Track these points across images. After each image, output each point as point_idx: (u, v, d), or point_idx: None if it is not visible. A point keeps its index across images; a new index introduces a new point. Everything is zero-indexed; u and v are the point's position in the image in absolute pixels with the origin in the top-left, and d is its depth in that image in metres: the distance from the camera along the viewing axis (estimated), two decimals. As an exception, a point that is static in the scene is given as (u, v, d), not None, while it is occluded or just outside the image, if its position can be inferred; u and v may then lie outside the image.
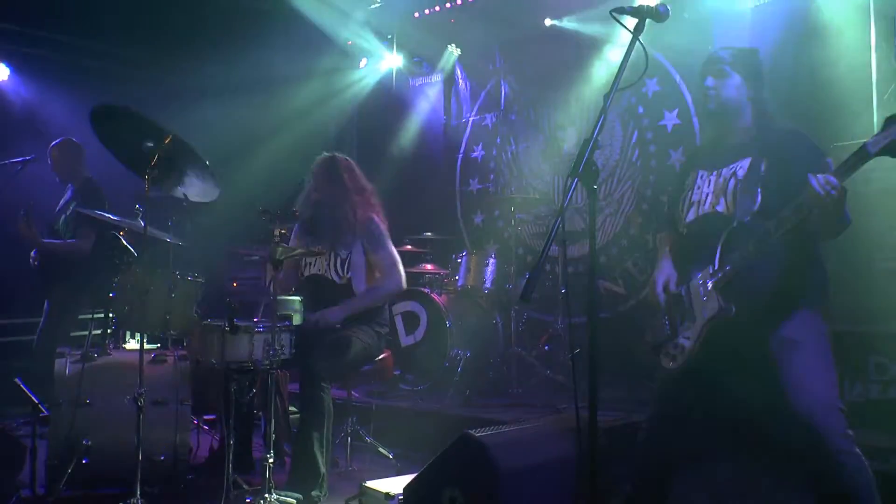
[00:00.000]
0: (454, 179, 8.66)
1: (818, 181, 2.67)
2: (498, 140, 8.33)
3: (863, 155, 2.64)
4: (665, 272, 3.28)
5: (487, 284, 6.44)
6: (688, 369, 3.09)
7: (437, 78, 8.77)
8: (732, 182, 3.09)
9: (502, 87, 8.31)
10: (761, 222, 2.92)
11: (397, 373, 5.95)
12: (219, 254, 7.49)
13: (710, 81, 3.18)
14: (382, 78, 9.40)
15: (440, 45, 8.63)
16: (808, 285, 3.05)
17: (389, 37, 8.95)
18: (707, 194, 3.18)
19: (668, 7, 2.71)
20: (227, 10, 7.95)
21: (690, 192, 3.27)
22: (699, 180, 3.25)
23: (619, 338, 6.69)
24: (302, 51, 8.44)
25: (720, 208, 3.10)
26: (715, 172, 3.19)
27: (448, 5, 8.33)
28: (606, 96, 2.56)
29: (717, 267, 3.01)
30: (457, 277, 6.50)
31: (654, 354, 3.24)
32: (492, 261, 6.50)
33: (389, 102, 9.35)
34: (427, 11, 8.52)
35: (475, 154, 8.53)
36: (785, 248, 2.97)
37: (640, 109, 7.17)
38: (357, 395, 5.53)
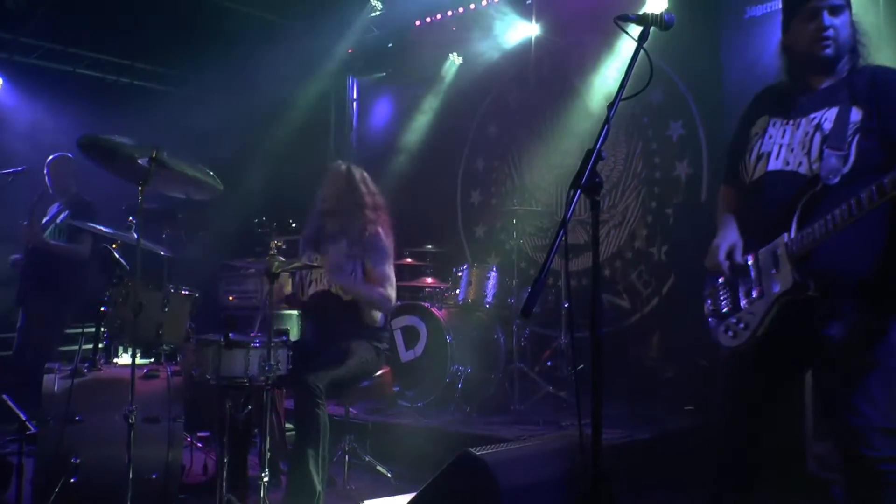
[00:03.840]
0: (455, 191, 8.67)
1: (890, 176, 2.38)
2: (501, 150, 8.33)
3: None
4: (729, 238, 2.93)
5: (489, 298, 6.43)
6: (753, 352, 2.80)
7: (438, 87, 8.75)
8: (817, 136, 2.73)
9: (505, 97, 8.33)
10: (852, 185, 2.56)
11: (396, 389, 5.92)
12: (215, 267, 7.48)
13: (828, 20, 2.76)
14: (382, 87, 9.44)
15: (442, 53, 8.64)
16: None
17: (390, 45, 8.97)
18: (780, 146, 2.83)
19: (674, 16, 2.71)
20: (225, 18, 7.98)
21: (760, 141, 2.90)
22: (771, 128, 2.89)
23: (624, 353, 6.70)
24: (301, 60, 8.46)
25: (801, 168, 2.74)
26: (792, 123, 2.83)
27: (450, 13, 8.35)
28: (610, 106, 2.52)
29: (793, 236, 2.67)
30: (457, 291, 6.48)
31: (713, 329, 2.94)
32: (493, 274, 6.49)
33: (389, 112, 9.38)
34: (428, 19, 8.53)
35: (477, 165, 8.54)
36: (882, 225, 2.66)
37: (645, 119, 7.17)
38: (355, 411, 5.50)
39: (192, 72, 8.94)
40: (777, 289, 2.71)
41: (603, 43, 7.22)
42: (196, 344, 4.22)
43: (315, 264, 4.64)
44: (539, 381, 6.23)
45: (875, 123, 2.66)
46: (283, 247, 4.95)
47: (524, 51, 8.02)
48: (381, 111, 9.51)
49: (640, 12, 2.69)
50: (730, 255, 2.89)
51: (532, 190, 7.89)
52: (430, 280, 7.05)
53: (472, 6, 8.17)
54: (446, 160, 8.70)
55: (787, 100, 2.91)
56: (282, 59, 8.13)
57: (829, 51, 2.79)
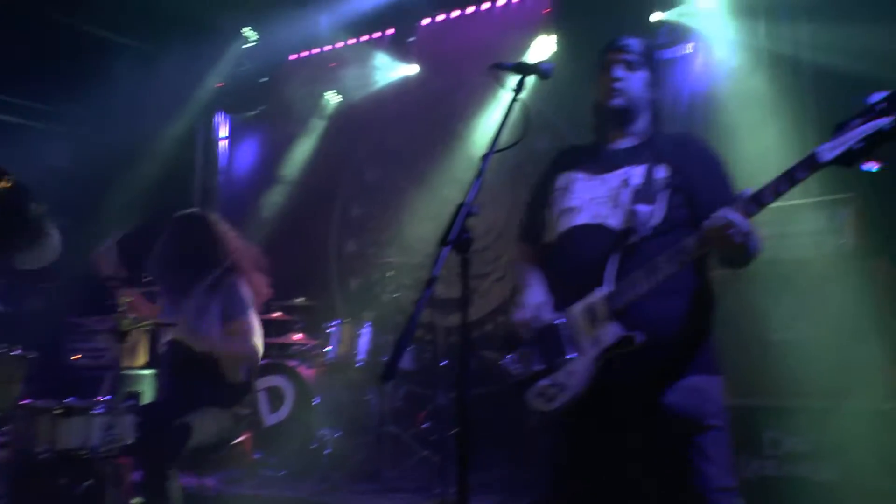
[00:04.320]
0: (330, 239, 8.59)
1: (711, 222, 2.54)
2: (379, 196, 8.32)
3: (811, 165, 2.45)
4: (536, 296, 2.96)
5: (361, 356, 6.37)
6: (575, 415, 2.79)
7: (313, 127, 8.71)
8: (626, 191, 2.84)
9: (385, 139, 8.35)
10: (664, 239, 2.72)
11: (258, 456, 5.78)
12: (58, 323, 7.16)
13: (619, 72, 2.96)
14: (254, 125, 9.32)
15: (318, 90, 8.63)
16: (710, 331, 2.85)
17: (263, 80, 8.89)
18: (588, 200, 2.91)
19: (553, 65, 2.78)
20: (87, 45, 7.78)
21: (564, 197, 2.98)
22: (576, 183, 2.98)
23: (507, 413, 6.71)
24: (169, 92, 8.30)
25: (611, 222, 2.82)
26: (598, 179, 2.94)
27: (327, 48, 8.35)
28: (483, 158, 2.58)
29: (611, 289, 2.72)
30: (328, 349, 6.42)
31: (520, 393, 2.87)
32: (367, 331, 6.44)
33: (260, 153, 9.27)
34: (305, 53, 8.52)
35: (354, 212, 8.50)
36: (693, 277, 2.79)
37: (529, 168, 7.26)
38: (211, 483, 5.33)
39: (48, 103, 8.61)
40: (599, 345, 2.72)
41: (487, 86, 7.32)
42: (27, 411, 4.01)
43: (167, 322, 4.51)
44: (413, 444, 6.19)
45: (680, 181, 2.81)
46: (136, 301, 4.80)
47: (405, 91, 8.08)
48: (253, 151, 9.39)
49: (518, 61, 2.77)
50: (539, 314, 2.90)
51: (412, 240, 7.83)
52: (298, 336, 6.93)
53: (351, 41, 8.21)
54: (321, 206, 8.63)
55: (591, 156, 3.03)
56: (148, 90, 7.98)
57: (619, 101, 2.96)
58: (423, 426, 6.51)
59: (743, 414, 4.50)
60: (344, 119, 8.56)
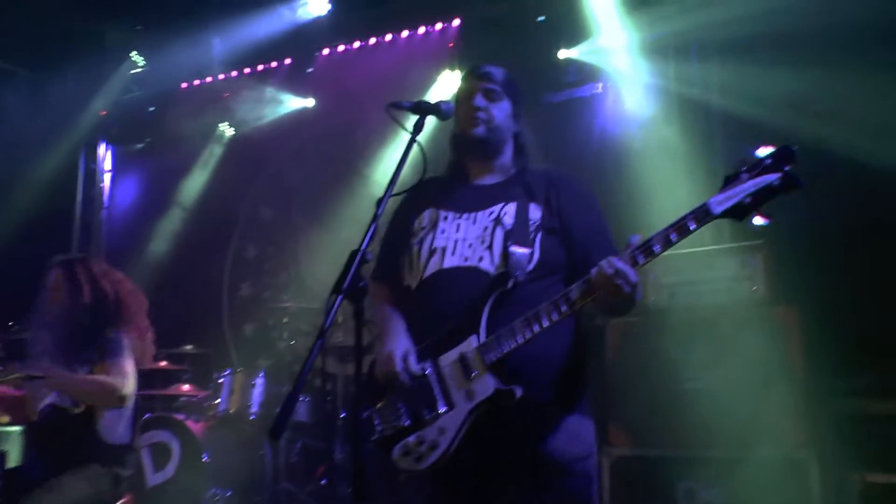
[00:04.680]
0: (222, 282, 8.40)
1: (600, 270, 2.50)
2: (275, 236, 8.20)
3: (703, 216, 2.47)
4: (402, 343, 2.80)
5: (254, 408, 6.21)
6: (447, 473, 2.67)
7: (205, 161, 8.55)
8: (499, 231, 2.79)
9: (282, 175, 8.23)
10: (540, 283, 2.72)
11: (140, 520, 5.56)
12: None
13: (480, 101, 2.91)
14: (141, 158, 9.10)
15: (211, 121, 8.49)
16: (587, 380, 2.83)
17: (151, 109, 8.69)
18: (456, 241, 2.83)
19: (453, 104, 2.76)
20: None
21: (431, 235, 2.90)
22: (442, 222, 2.90)
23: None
24: (47, 120, 8.07)
25: (483, 264, 2.75)
26: (466, 217, 2.87)
27: (222, 76, 8.22)
28: (378, 203, 2.53)
29: (484, 339, 2.63)
30: (218, 401, 6.25)
31: (385, 449, 2.71)
32: (260, 381, 6.29)
33: (147, 188, 9.05)
34: (196, 82, 8.37)
35: (248, 252, 8.35)
36: (571, 320, 2.75)
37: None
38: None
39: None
40: (473, 399, 2.61)
41: (389, 122, 7.28)
42: None
43: (38, 374, 4.29)
44: (310, 502, 6.04)
45: (555, 223, 2.80)
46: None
47: (304, 124, 8.02)
48: (138, 186, 9.17)
49: (417, 100, 2.74)
50: (404, 364, 2.73)
51: (311, 283, 7.74)
52: (186, 387, 6.73)
53: (246, 70, 8.10)
54: (212, 245, 8.47)
55: (454, 192, 2.98)
56: (24, 116, 7.73)
57: (480, 129, 2.90)
58: (322, 483, 6.36)
59: (656, 465, 4.55)
60: (238, 153, 8.43)
